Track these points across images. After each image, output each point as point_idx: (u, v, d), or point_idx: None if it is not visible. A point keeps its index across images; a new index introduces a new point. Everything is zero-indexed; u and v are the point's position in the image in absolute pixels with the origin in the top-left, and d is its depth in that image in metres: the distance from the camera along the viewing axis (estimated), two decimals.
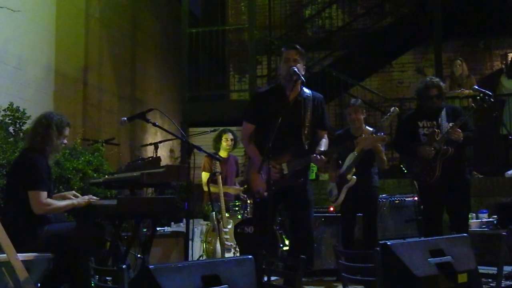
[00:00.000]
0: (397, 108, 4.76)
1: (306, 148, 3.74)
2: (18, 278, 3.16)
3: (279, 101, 3.74)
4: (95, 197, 3.93)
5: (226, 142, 5.88)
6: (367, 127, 5.07)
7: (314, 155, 3.68)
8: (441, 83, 4.56)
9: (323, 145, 3.83)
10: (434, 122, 4.48)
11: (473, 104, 4.43)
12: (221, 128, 6.02)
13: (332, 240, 5.45)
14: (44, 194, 3.59)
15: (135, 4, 9.73)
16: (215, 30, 8.61)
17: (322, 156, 3.66)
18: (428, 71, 7.59)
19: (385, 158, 5.03)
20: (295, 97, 3.77)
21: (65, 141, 3.89)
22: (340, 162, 5.05)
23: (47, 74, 7.06)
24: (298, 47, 3.82)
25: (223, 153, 5.91)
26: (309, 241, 3.77)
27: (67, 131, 3.86)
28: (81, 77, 7.98)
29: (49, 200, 3.64)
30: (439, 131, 4.39)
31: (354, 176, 4.87)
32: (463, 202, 4.46)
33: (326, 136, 3.93)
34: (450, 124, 4.34)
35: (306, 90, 3.85)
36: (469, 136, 4.40)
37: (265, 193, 3.58)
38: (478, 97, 4.40)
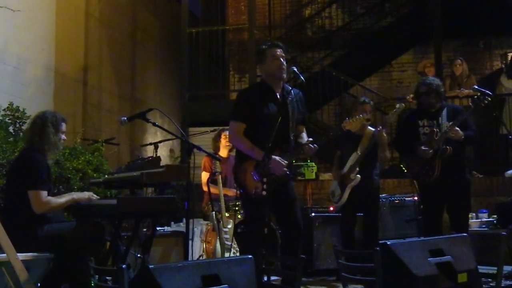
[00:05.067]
0: (403, 104, 4.76)
1: (293, 144, 3.78)
2: (18, 278, 3.16)
3: (269, 98, 3.76)
4: (95, 195, 3.93)
5: (225, 139, 5.84)
6: (369, 127, 5.08)
7: (306, 145, 3.70)
8: (434, 82, 4.55)
9: (305, 139, 3.87)
10: (434, 122, 4.48)
11: (471, 104, 4.43)
12: (221, 128, 6.02)
13: (332, 240, 5.45)
14: (44, 193, 3.59)
15: (135, 4, 9.74)
16: (215, 30, 8.62)
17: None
18: (430, 71, 7.57)
19: (388, 154, 5.01)
20: (281, 93, 3.79)
21: (64, 136, 3.89)
22: (342, 154, 5.06)
23: (47, 74, 7.05)
24: (281, 44, 3.84)
25: (223, 152, 5.89)
26: (301, 235, 3.76)
27: (63, 127, 3.86)
28: (81, 77, 7.98)
29: (49, 198, 3.64)
30: (437, 130, 4.39)
31: (358, 175, 4.88)
32: (463, 202, 4.46)
33: (305, 130, 3.95)
34: (449, 124, 4.34)
35: (287, 86, 3.86)
36: (470, 135, 4.40)
37: (264, 192, 3.58)
38: (476, 97, 4.40)
